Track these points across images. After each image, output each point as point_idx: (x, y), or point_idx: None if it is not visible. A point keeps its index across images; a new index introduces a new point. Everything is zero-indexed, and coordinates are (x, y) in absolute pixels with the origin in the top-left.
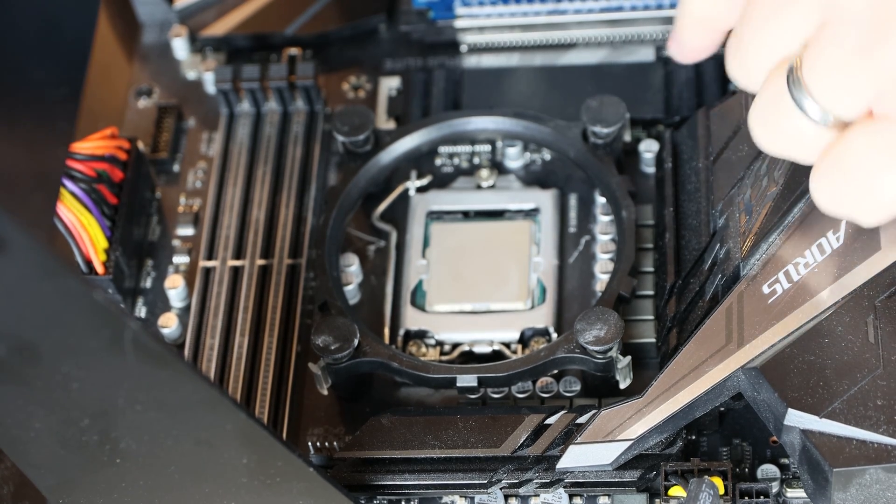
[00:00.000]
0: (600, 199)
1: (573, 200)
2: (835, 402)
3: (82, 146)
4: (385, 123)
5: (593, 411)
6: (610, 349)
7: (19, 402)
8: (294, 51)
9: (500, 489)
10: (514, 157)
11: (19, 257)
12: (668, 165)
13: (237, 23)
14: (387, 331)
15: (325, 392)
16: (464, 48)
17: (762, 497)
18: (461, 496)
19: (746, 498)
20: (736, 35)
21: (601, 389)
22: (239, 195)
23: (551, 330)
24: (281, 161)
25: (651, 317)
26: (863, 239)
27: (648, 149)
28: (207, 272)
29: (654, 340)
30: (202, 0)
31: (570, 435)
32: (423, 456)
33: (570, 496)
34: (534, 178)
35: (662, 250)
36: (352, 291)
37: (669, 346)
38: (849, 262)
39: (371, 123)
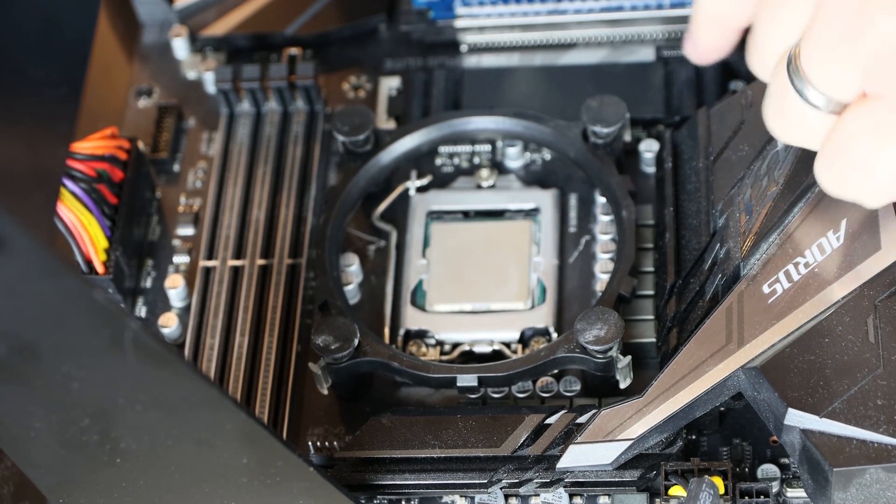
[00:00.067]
0: (600, 199)
1: (573, 200)
2: (835, 402)
3: (82, 146)
4: (385, 123)
5: (593, 411)
6: (610, 349)
7: (19, 402)
8: (294, 51)
9: (501, 489)
10: (515, 157)
11: (19, 257)
12: (669, 165)
13: (237, 23)
14: (387, 331)
15: (325, 392)
16: (464, 48)
17: (762, 497)
18: (461, 496)
19: (746, 498)
20: (751, 31)
21: (601, 389)
22: (239, 195)
23: (551, 330)
24: (281, 161)
25: (651, 317)
26: (863, 239)
27: (648, 149)
28: (207, 272)
29: (654, 340)
30: (202, 0)
31: (570, 435)
32: (423, 456)
33: (571, 496)
34: (534, 177)
35: (662, 250)
36: (352, 291)
37: (669, 345)
38: (849, 262)
39: (371, 123)
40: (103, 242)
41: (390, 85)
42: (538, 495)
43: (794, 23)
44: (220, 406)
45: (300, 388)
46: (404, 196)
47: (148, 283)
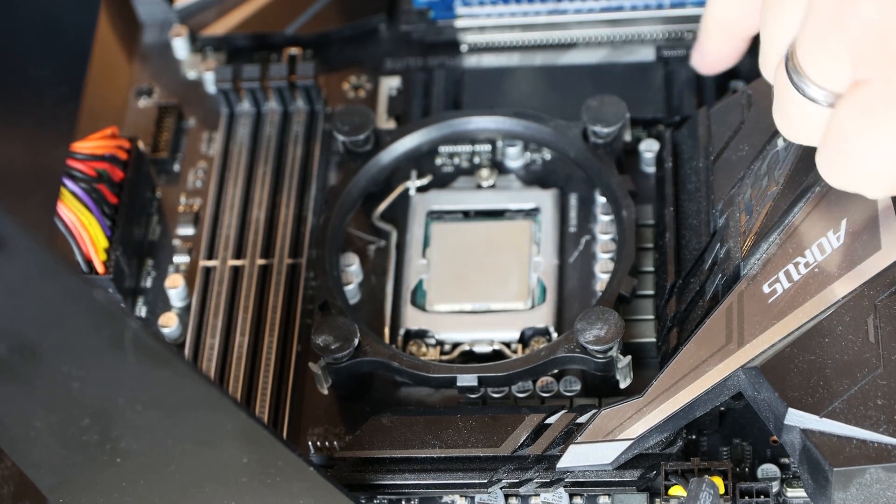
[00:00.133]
0: (600, 199)
1: (573, 200)
2: (835, 402)
3: (83, 146)
4: (385, 123)
5: (593, 411)
6: (610, 349)
7: (19, 402)
8: (294, 50)
9: (501, 489)
10: (515, 157)
11: (19, 257)
12: (669, 165)
13: (237, 22)
14: (387, 330)
15: (325, 392)
16: (464, 48)
17: (762, 497)
18: (461, 496)
19: (746, 497)
20: (760, 37)
21: (601, 389)
22: (239, 195)
23: (551, 329)
24: (281, 161)
25: (651, 316)
26: (863, 239)
27: (649, 148)
28: (208, 272)
29: (654, 340)
30: (202, 0)
31: (570, 434)
32: (423, 455)
33: (571, 496)
34: (534, 177)
35: (663, 250)
36: (352, 291)
37: (669, 345)
38: (849, 262)
39: (371, 123)
40: (103, 242)
41: (390, 85)
42: (538, 495)
43: (794, 23)
44: (220, 406)
45: (300, 388)
46: (404, 196)
47: (148, 282)
